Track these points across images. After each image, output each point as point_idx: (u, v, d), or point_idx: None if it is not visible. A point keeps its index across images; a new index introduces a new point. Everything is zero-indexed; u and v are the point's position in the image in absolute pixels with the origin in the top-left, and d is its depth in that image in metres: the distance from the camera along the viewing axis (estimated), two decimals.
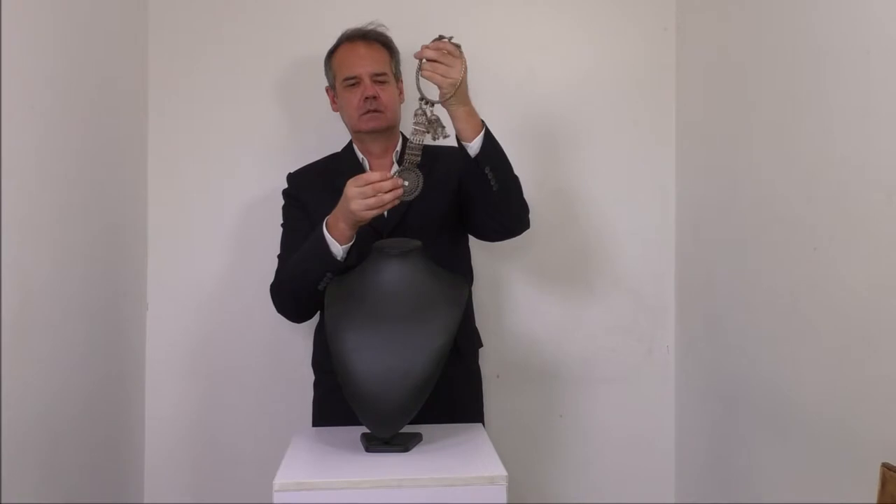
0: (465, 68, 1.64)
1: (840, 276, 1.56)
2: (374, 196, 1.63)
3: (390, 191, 1.63)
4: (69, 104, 1.82)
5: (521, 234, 1.89)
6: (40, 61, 1.69)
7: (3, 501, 1.50)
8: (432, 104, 1.64)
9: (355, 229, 1.71)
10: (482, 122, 1.72)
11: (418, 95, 1.63)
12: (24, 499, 1.58)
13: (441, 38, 1.64)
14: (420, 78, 1.63)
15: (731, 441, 2.01)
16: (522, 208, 1.85)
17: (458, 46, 1.64)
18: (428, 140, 1.66)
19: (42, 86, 1.69)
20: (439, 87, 1.64)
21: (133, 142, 2.21)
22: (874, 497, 1.35)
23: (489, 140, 1.71)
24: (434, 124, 1.64)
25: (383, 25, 1.99)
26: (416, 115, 1.64)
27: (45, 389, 1.69)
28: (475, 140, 1.69)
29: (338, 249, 1.72)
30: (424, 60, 1.62)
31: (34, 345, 1.65)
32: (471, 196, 1.80)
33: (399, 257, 1.61)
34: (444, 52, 1.62)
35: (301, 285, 1.77)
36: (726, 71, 2.06)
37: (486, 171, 1.71)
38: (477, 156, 1.70)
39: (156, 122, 2.27)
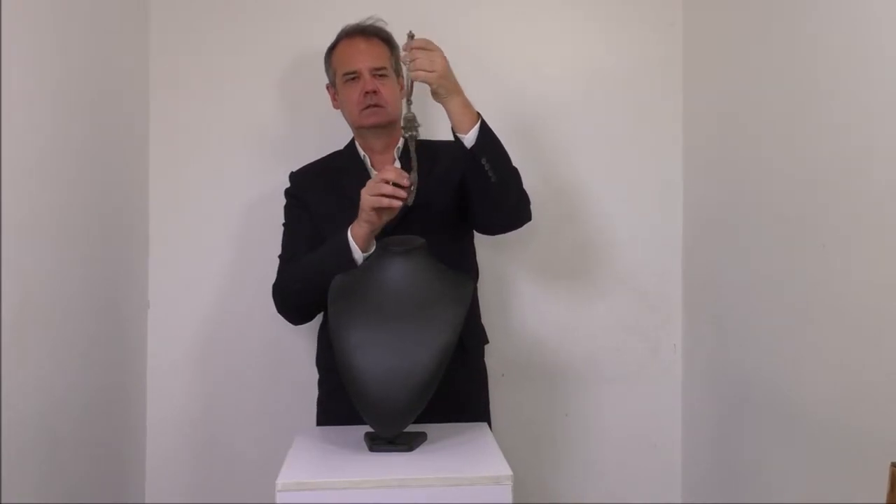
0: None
1: (848, 274, 1.55)
2: (378, 182, 1.67)
3: (391, 183, 1.65)
4: (70, 102, 1.81)
5: (522, 226, 1.88)
6: (41, 60, 1.68)
7: (3, 501, 1.49)
8: (408, 102, 1.66)
9: (371, 228, 1.71)
10: (478, 113, 1.71)
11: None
12: (24, 499, 1.57)
13: (412, 36, 1.66)
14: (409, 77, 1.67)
15: (739, 441, 2.00)
16: (522, 200, 1.84)
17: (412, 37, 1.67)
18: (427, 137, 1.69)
19: (43, 85, 1.68)
20: (429, 84, 1.66)
21: (135, 140, 2.21)
22: (882, 497, 1.33)
23: (485, 131, 1.71)
24: (410, 122, 1.67)
25: (382, 20, 1.98)
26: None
27: (45, 389, 1.68)
28: (471, 131, 1.69)
29: (359, 255, 1.72)
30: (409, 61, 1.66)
31: (34, 344, 1.64)
32: (470, 189, 1.79)
33: (403, 255, 1.60)
34: (418, 49, 1.65)
35: (312, 289, 1.75)
36: (734, 67, 2.05)
37: (483, 163, 1.70)
38: (473, 147, 1.70)
39: (157, 121, 2.26)
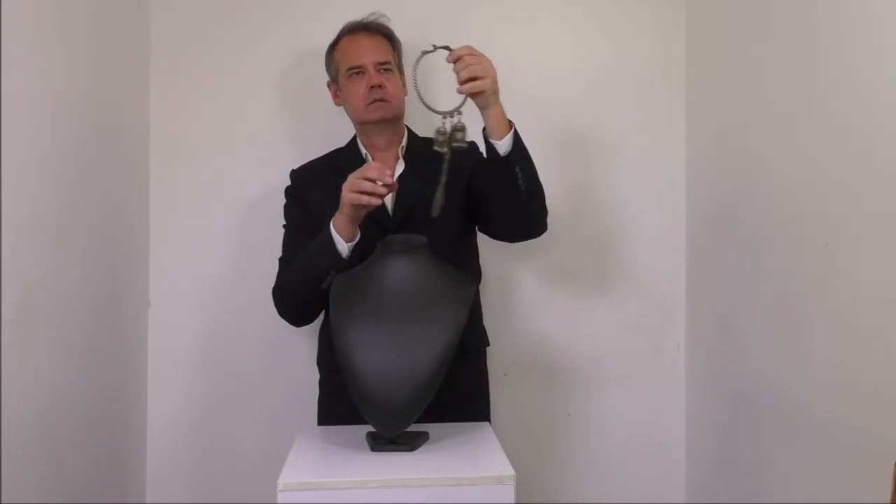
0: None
1: (851, 273, 1.54)
2: (359, 179, 1.64)
3: (374, 181, 1.63)
4: (70, 102, 1.80)
5: (540, 236, 1.88)
6: (41, 61, 1.67)
7: (3, 502, 1.48)
8: (458, 113, 1.61)
9: (350, 220, 1.70)
10: (510, 121, 1.70)
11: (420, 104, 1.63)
12: (24, 499, 1.57)
13: (435, 48, 1.62)
14: (419, 90, 1.61)
15: (742, 440, 1.99)
16: (544, 210, 1.83)
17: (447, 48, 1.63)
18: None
19: (43, 85, 1.68)
20: (485, 90, 1.62)
21: (135, 139, 2.20)
22: (887, 497, 1.33)
23: (517, 139, 1.70)
24: (461, 132, 1.62)
25: (385, 16, 1.97)
26: (437, 132, 1.62)
27: (45, 388, 1.68)
28: (505, 138, 1.68)
29: (343, 246, 1.70)
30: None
31: (34, 344, 1.63)
32: (493, 196, 1.78)
33: (405, 254, 1.59)
34: (469, 55, 1.61)
35: (306, 287, 1.75)
36: (736, 66, 2.04)
37: (517, 171, 1.69)
38: (508, 154, 1.68)
39: (158, 120, 2.25)
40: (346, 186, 1.68)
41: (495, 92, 1.65)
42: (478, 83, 1.61)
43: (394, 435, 1.54)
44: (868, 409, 1.50)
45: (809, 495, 1.68)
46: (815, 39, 1.67)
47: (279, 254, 1.93)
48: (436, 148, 1.63)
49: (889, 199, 1.43)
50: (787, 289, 1.77)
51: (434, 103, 1.63)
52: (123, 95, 2.13)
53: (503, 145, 1.68)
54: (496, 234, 1.94)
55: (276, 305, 1.89)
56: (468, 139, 1.64)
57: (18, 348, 1.55)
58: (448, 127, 1.61)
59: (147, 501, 2.25)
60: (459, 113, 1.62)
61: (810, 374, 1.68)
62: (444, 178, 1.62)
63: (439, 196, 1.61)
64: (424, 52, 1.61)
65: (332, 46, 1.98)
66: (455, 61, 1.62)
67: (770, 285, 1.85)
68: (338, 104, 2.00)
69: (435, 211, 1.61)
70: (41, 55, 1.67)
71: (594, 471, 2.32)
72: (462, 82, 1.61)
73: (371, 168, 1.67)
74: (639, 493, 2.32)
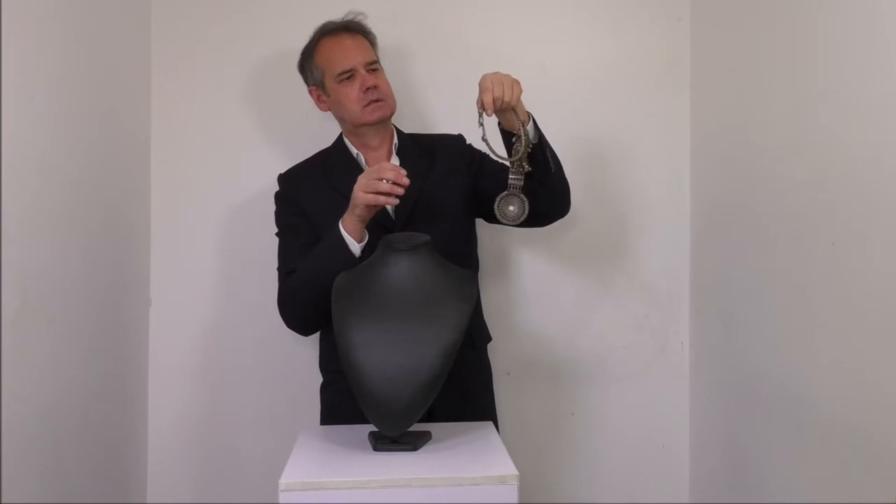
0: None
1: (857, 272, 1.53)
2: (374, 179, 1.63)
3: (390, 181, 1.63)
4: (71, 99, 1.80)
5: (566, 215, 1.90)
6: (43, 57, 1.67)
7: (3, 502, 1.48)
8: (525, 132, 1.65)
9: (361, 220, 1.69)
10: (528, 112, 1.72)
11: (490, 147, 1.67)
12: (24, 499, 1.56)
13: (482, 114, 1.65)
14: (488, 139, 1.65)
15: (747, 440, 1.99)
16: (568, 186, 1.86)
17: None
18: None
19: (44, 82, 1.67)
20: (512, 99, 1.65)
21: (136, 136, 2.20)
22: (893, 498, 1.32)
23: (537, 126, 1.72)
24: (527, 136, 1.67)
25: (362, 14, 1.96)
26: (513, 162, 1.66)
27: (46, 387, 1.67)
28: (529, 126, 1.69)
29: (355, 247, 1.69)
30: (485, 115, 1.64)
31: (35, 342, 1.63)
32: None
33: (407, 252, 1.58)
34: (492, 82, 1.62)
35: (318, 292, 1.68)
36: (741, 62, 2.03)
37: (548, 154, 1.71)
38: (538, 141, 1.70)
39: (159, 117, 2.25)
40: (359, 187, 1.66)
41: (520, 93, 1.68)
42: (512, 98, 1.63)
43: (396, 434, 1.53)
44: (874, 408, 1.49)
45: (815, 496, 1.67)
46: (820, 37, 1.66)
47: (276, 268, 1.89)
48: (515, 176, 1.68)
49: (895, 197, 1.42)
50: (793, 287, 1.77)
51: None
52: (124, 94, 2.13)
53: (532, 131, 1.70)
54: (528, 223, 1.93)
55: (285, 317, 1.85)
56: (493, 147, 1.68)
57: (18, 348, 1.54)
58: (524, 149, 1.66)
59: (148, 501, 2.24)
60: (525, 129, 1.67)
61: (815, 374, 1.68)
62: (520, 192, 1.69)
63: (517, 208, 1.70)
64: (481, 112, 1.64)
65: (311, 51, 1.96)
66: (483, 104, 1.63)
67: (775, 284, 1.85)
68: (324, 109, 1.98)
69: (520, 218, 1.70)
70: (42, 54, 1.67)
71: (597, 470, 2.31)
72: (506, 101, 1.63)
73: (387, 168, 1.66)
74: (642, 493, 2.31)
